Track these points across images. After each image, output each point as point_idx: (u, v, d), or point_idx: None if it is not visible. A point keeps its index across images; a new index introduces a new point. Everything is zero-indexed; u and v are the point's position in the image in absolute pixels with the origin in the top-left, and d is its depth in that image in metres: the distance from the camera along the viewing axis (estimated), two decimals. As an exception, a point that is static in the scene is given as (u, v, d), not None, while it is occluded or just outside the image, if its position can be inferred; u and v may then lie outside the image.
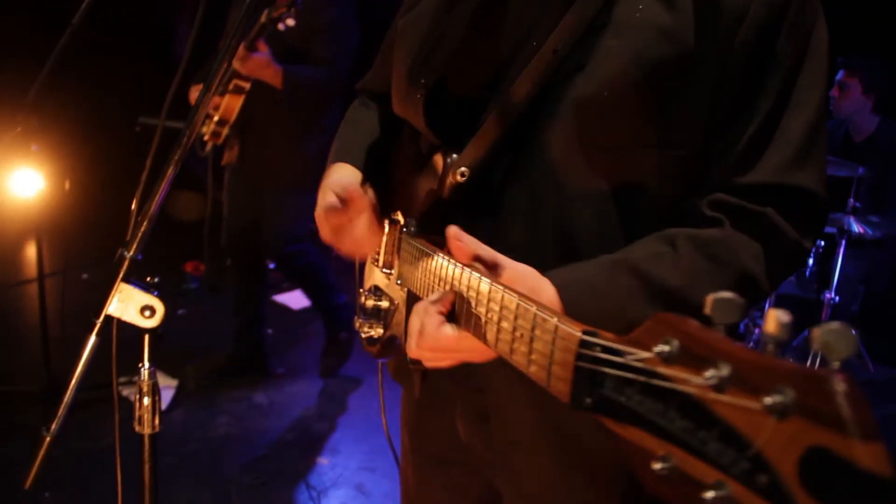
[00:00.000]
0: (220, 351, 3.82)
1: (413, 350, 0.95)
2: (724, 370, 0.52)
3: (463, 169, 1.04)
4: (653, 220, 1.01)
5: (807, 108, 0.97)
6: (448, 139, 1.08)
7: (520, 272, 0.92)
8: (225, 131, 3.39)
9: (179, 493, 2.74)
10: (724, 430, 0.51)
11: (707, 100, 0.96)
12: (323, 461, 3.03)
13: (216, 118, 3.35)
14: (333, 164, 1.31)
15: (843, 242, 3.70)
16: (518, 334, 0.79)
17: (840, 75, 4.10)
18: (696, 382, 0.53)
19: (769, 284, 0.98)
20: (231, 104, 3.32)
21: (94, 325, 1.10)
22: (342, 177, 1.24)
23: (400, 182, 1.25)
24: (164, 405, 3.34)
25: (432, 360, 0.96)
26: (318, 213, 1.23)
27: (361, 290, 1.31)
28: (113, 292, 1.10)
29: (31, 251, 5.15)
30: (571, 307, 0.90)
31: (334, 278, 3.85)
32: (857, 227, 3.74)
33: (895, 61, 4.15)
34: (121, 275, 1.10)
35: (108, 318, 1.11)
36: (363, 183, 1.24)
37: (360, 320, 1.26)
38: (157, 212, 1.12)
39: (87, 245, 4.46)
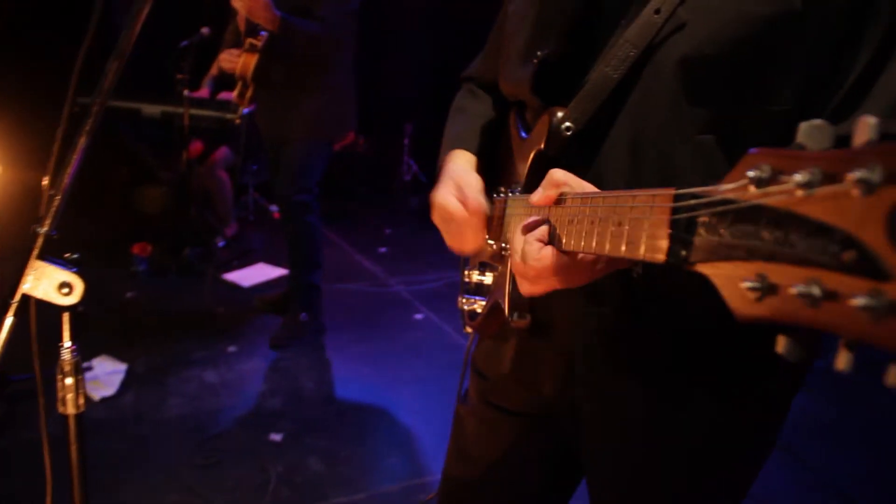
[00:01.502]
0: (169, 333, 3.78)
1: (518, 270, 1.00)
2: (813, 173, 0.51)
3: (567, 124, 1.09)
4: None
5: None
6: (554, 102, 1.11)
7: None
8: (243, 89, 3.67)
9: (133, 478, 2.70)
10: (813, 227, 0.51)
11: (809, 57, 0.97)
12: (276, 438, 3.01)
13: (239, 75, 3.62)
14: (451, 152, 1.34)
15: None
16: (616, 222, 0.81)
17: None
18: (785, 189, 0.54)
19: None
20: (247, 62, 3.58)
21: (10, 305, 1.06)
22: (462, 172, 1.28)
23: (506, 160, 1.29)
24: (113, 389, 3.30)
25: (533, 285, 1.01)
26: (436, 200, 1.26)
27: (467, 270, 1.35)
28: (27, 270, 1.05)
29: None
30: None
31: (323, 258, 3.92)
32: None
33: None
34: (34, 252, 1.06)
35: (25, 298, 1.07)
36: (479, 168, 1.31)
37: (464, 298, 1.31)
38: (69, 185, 1.08)
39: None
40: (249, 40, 3.55)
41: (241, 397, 3.34)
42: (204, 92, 5.01)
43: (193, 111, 4.53)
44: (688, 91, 1.01)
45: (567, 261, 0.95)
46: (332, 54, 3.61)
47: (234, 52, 3.67)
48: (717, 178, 0.96)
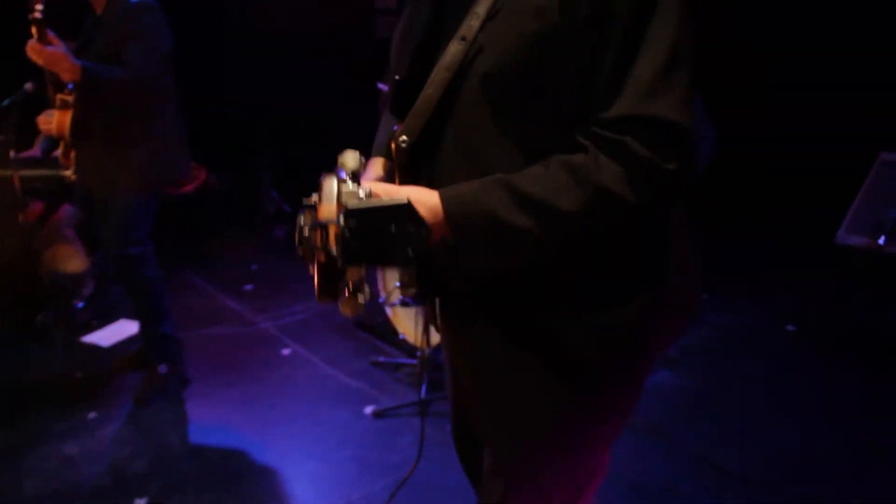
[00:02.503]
0: (23, 408, 3.61)
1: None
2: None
3: (403, 137, 1.33)
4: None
5: (658, 49, 1.19)
6: (402, 118, 1.36)
7: (416, 188, 1.27)
8: (66, 149, 3.58)
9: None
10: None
11: (575, 62, 1.22)
12: (140, 502, 2.91)
13: (56, 135, 3.51)
14: (371, 159, 1.57)
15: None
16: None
17: None
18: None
19: (636, 200, 1.21)
20: (61, 120, 3.47)
21: None
22: (373, 173, 1.53)
23: None
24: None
25: None
26: None
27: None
28: None
29: None
30: (450, 211, 1.22)
31: (169, 304, 3.82)
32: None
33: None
34: None
35: None
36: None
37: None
38: None
39: None
40: (60, 97, 3.45)
41: (103, 466, 3.21)
42: (36, 151, 4.80)
43: (24, 173, 4.33)
44: (492, 101, 1.26)
45: None
46: (150, 102, 3.53)
47: (51, 112, 3.55)
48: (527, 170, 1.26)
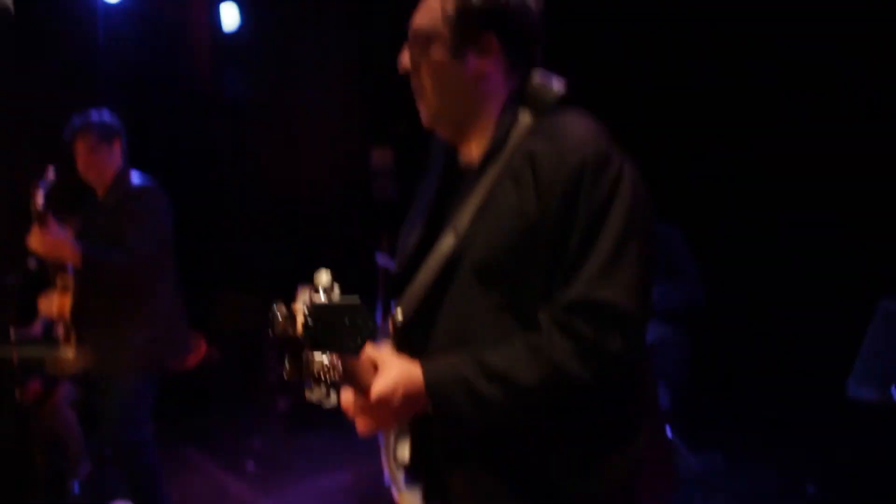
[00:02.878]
0: None
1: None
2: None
3: (399, 316, 1.56)
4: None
5: (608, 241, 1.41)
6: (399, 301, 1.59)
7: (402, 361, 1.48)
8: (66, 331, 3.62)
9: None
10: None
11: (546, 252, 1.43)
12: None
13: (57, 318, 3.61)
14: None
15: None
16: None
17: None
18: None
19: (584, 375, 1.39)
20: (62, 304, 3.58)
21: None
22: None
23: None
24: None
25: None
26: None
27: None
28: None
29: None
30: (429, 380, 1.43)
31: (166, 490, 3.72)
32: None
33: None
34: None
35: None
36: None
37: None
38: None
39: None
40: (60, 281, 3.53)
41: None
42: (37, 328, 4.79)
43: (24, 351, 4.29)
44: (478, 284, 1.49)
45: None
46: (149, 283, 3.56)
47: (51, 293, 3.59)
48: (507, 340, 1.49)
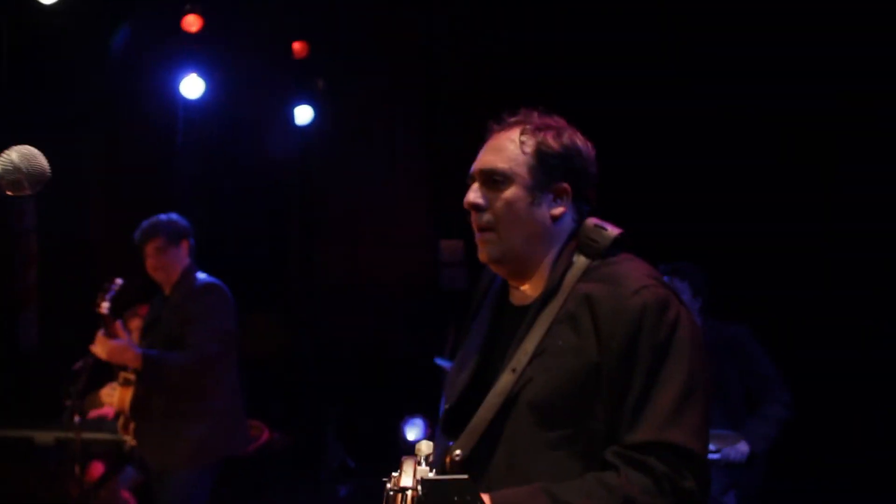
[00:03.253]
0: None
1: None
2: None
3: (457, 452, 1.49)
4: (589, 469, 1.52)
5: (673, 385, 1.48)
6: (456, 437, 1.62)
7: None
8: (126, 421, 3.72)
9: None
10: None
11: (608, 390, 1.51)
12: None
13: (117, 410, 3.73)
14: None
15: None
16: None
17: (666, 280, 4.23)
18: None
19: None
20: (123, 396, 3.67)
21: None
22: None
23: None
24: None
25: None
26: None
27: None
28: None
29: None
30: None
31: None
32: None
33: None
34: None
35: None
36: None
37: None
38: None
39: None
40: (123, 374, 3.63)
41: None
42: (108, 410, 4.94)
43: (87, 435, 4.43)
44: (538, 423, 1.54)
45: None
46: (210, 380, 3.65)
47: (115, 385, 3.73)
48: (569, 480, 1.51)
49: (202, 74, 5.91)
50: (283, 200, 7.25)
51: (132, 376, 3.61)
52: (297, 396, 7.24)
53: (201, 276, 3.88)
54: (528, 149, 1.65)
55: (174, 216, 3.89)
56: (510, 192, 1.64)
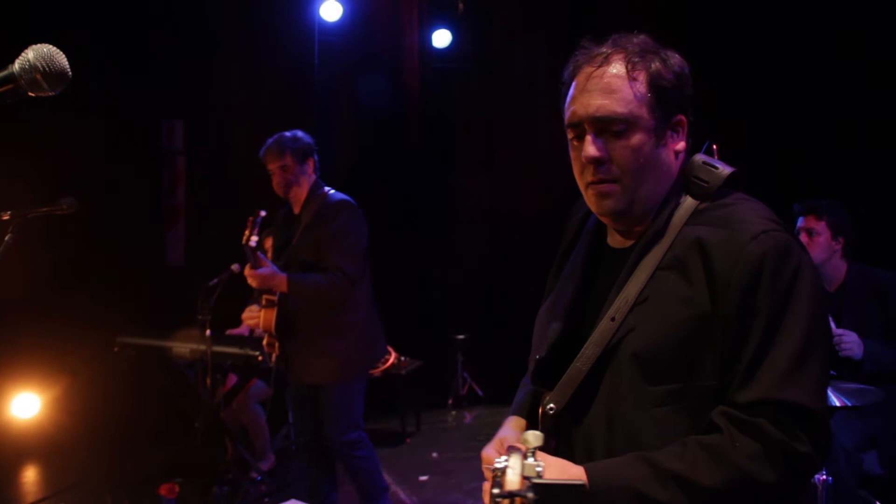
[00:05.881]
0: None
1: None
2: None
3: (551, 405, 1.49)
4: (698, 428, 1.40)
5: (792, 339, 1.34)
6: (549, 387, 1.52)
7: (562, 463, 1.38)
8: (271, 340, 3.82)
9: None
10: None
11: (721, 344, 1.37)
12: None
13: (263, 330, 3.83)
14: (507, 418, 1.72)
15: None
16: None
17: (801, 221, 3.88)
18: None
19: (772, 478, 1.32)
20: (268, 317, 3.76)
21: None
22: (506, 431, 1.66)
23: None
24: None
25: None
26: (485, 451, 1.59)
27: None
28: None
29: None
30: (595, 483, 1.34)
31: (384, 483, 4.01)
32: (835, 400, 3.43)
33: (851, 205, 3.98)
34: None
35: None
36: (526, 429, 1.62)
37: None
38: None
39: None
40: (266, 296, 3.73)
41: None
42: (243, 329, 5.16)
43: (218, 349, 4.63)
44: (641, 376, 1.41)
45: None
46: (351, 297, 3.72)
47: (255, 308, 3.85)
48: (674, 441, 1.39)
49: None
50: (417, 126, 7.21)
51: (275, 297, 3.71)
52: (428, 323, 7.32)
53: (331, 192, 3.87)
54: (642, 85, 1.45)
55: (299, 133, 3.88)
56: (636, 139, 1.45)
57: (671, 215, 1.48)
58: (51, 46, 1.23)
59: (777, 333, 1.35)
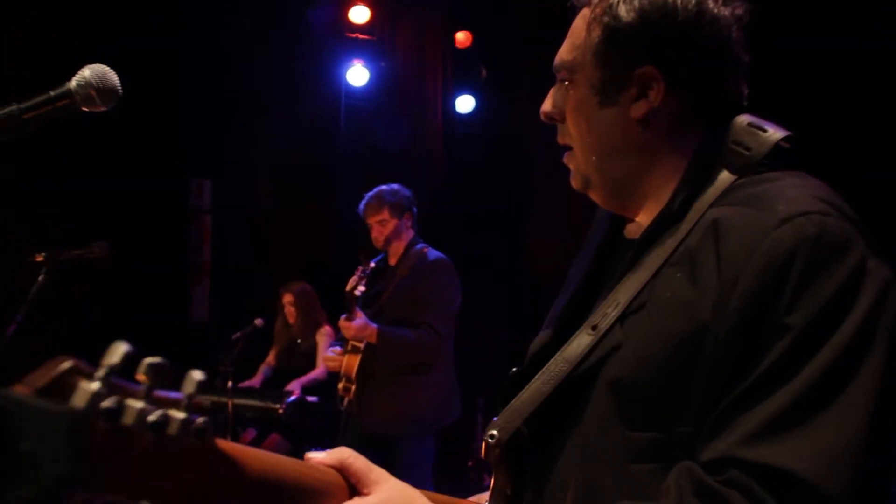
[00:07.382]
0: None
1: None
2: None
3: (492, 432, 1.10)
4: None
5: (808, 374, 0.87)
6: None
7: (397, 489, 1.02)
8: (348, 385, 3.84)
9: None
10: None
11: (710, 373, 0.93)
12: None
13: (342, 374, 3.88)
14: None
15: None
16: None
17: None
18: None
19: None
20: (350, 362, 3.79)
21: None
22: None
23: None
24: None
25: None
26: None
27: None
28: None
29: None
30: None
31: None
32: None
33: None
34: None
35: None
36: None
37: None
38: None
39: None
40: (352, 342, 3.78)
41: None
42: (256, 380, 5.20)
43: (238, 401, 4.67)
44: (619, 415, 1.00)
45: None
46: (438, 353, 3.77)
47: (337, 350, 3.88)
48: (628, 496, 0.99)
49: (367, 64, 6.10)
50: (432, 188, 7.32)
51: (361, 344, 3.74)
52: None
53: (429, 249, 3.93)
54: (595, 28, 1.11)
55: (396, 187, 3.91)
56: (575, 93, 1.14)
57: (691, 196, 1.06)
58: (105, 66, 1.33)
59: (800, 364, 0.87)
